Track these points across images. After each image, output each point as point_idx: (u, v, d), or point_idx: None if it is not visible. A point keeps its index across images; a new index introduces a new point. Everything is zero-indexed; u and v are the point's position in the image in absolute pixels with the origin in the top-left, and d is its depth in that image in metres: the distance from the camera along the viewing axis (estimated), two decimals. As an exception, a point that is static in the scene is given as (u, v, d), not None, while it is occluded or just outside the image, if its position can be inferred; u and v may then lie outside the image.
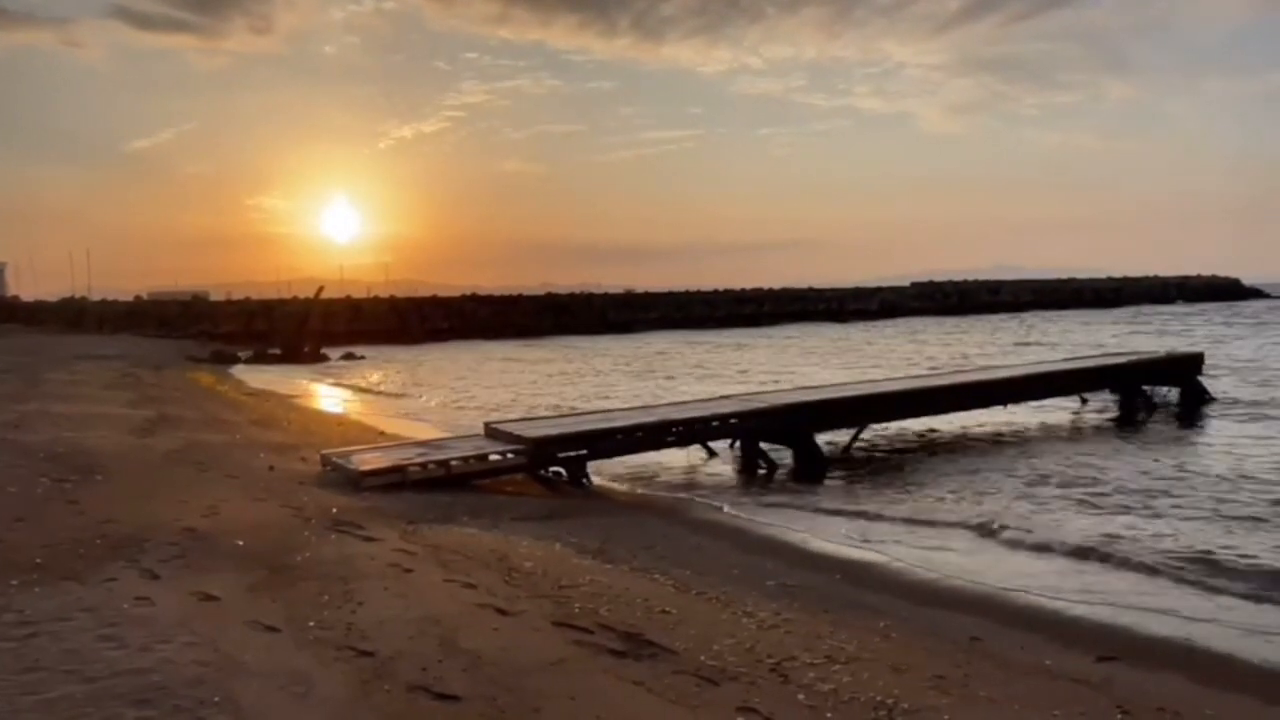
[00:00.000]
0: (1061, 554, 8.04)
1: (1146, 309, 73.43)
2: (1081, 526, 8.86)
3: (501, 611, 5.18)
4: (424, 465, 9.84)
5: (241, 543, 6.44)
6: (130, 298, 69.02)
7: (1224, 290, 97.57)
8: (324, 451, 10.49)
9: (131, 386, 19.99)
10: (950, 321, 61.85)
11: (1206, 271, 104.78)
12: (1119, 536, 8.46)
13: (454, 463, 10.05)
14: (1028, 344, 37.60)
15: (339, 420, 17.90)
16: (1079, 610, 6.52)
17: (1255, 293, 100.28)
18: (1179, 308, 74.93)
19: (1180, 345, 29.45)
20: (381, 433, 15.08)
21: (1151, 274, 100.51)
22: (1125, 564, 7.66)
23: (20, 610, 4.80)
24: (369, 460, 9.89)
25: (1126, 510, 9.53)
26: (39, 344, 36.50)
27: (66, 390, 17.79)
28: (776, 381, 22.88)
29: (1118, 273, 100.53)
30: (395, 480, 9.43)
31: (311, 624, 4.79)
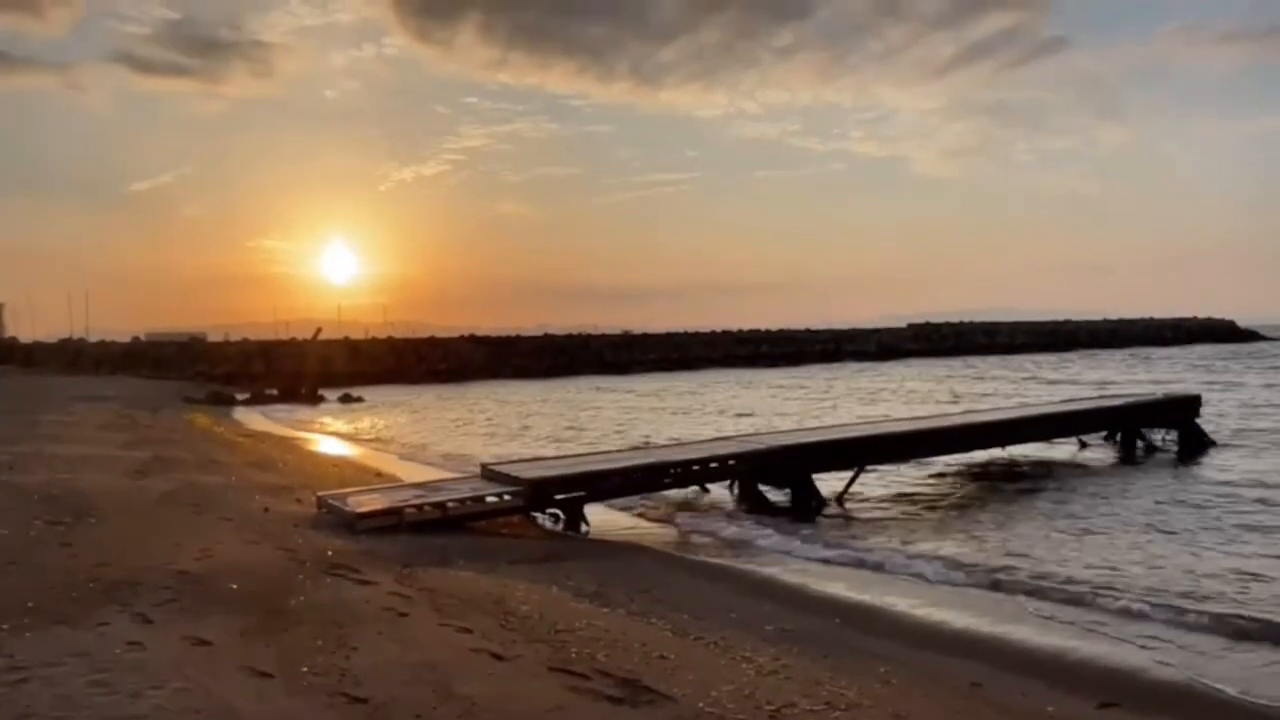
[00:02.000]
0: (1063, 598, 7.98)
1: (1142, 350, 73.64)
2: (1083, 570, 8.80)
3: (497, 656, 5.12)
4: (420, 507, 9.79)
5: (235, 586, 6.38)
6: (128, 339, 69.04)
7: (1220, 332, 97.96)
8: (319, 493, 10.44)
9: (127, 428, 19.94)
10: (947, 364, 61.97)
11: (1203, 313, 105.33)
12: (1122, 580, 8.42)
13: (450, 504, 10.00)
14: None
15: (335, 461, 17.83)
16: (1080, 655, 6.46)
17: (1251, 334, 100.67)
18: (1175, 349, 75.19)
19: (1179, 387, 29.52)
20: (378, 474, 15.03)
21: (1147, 315, 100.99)
22: (1127, 611, 7.60)
23: (11, 655, 4.75)
24: (365, 502, 9.84)
25: (1128, 555, 9.48)
26: (36, 385, 36.47)
27: (62, 431, 17.74)
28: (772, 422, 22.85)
29: (1113, 314, 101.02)
30: (391, 522, 9.38)
31: (305, 669, 4.74)
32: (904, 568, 9.15)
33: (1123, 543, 9.95)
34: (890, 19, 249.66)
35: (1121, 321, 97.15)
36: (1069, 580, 8.45)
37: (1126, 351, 73.16)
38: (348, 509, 9.49)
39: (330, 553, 7.82)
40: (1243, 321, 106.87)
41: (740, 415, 27.19)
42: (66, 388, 34.23)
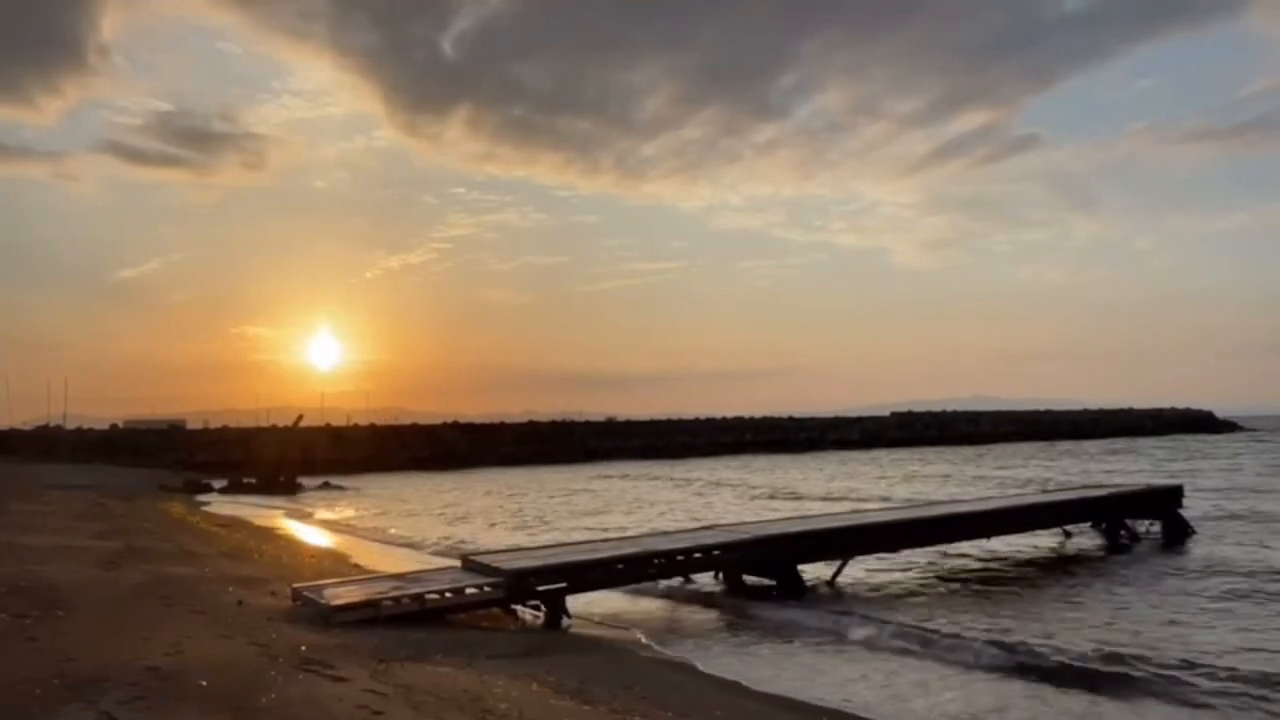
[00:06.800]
0: (1066, 698, 7.82)
1: (1124, 441, 74.07)
2: (1087, 665, 8.66)
3: (474, 757, 4.95)
4: (398, 599, 9.58)
5: (205, 683, 6.18)
6: (107, 425, 68.24)
7: (1199, 422, 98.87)
8: (295, 585, 10.22)
9: (101, 517, 19.56)
10: (933, 452, 62.04)
11: (1180, 403, 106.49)
12: (1130, 669, 8.27)
13: (429, 596, 9.79)
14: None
15: (312, 552, 17.50)
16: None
17: (1229, 425, 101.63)
18: (1155, 440, 75.71)
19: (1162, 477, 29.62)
20: (355, 565, 14.74)
21: (1126, 405, 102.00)
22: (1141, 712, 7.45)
23: (-35, 757, 4.56)
24: (341, 594, 9.62)
25: (1127, 642, 9.35)
26: (10, 473, 35.82)
27: (34, 521, 17.37)
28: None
29: (1093, 403, 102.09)
30: (368, 615, 9.16)
31: (274, 772, 4.56)
32: (893, 661, 8.95)
33: (1121, 627, 9.83)
34: (867, 118, 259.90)
35: (1102, 412, 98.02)
36: (1072, 675, 8.30)
37: (1109, 441, 73.58)
38: (323, 601, 9.28)
39: (304, 647, 7.61)
40: (1220, 412, 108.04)
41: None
42: (41, 476, 33.63)
